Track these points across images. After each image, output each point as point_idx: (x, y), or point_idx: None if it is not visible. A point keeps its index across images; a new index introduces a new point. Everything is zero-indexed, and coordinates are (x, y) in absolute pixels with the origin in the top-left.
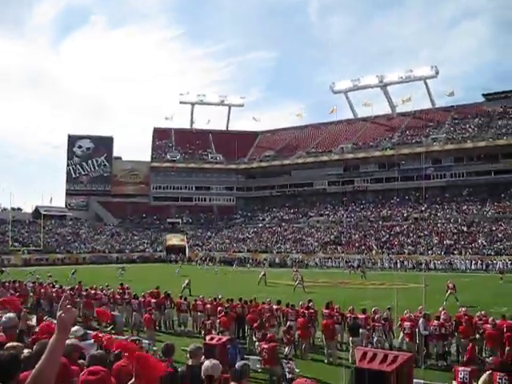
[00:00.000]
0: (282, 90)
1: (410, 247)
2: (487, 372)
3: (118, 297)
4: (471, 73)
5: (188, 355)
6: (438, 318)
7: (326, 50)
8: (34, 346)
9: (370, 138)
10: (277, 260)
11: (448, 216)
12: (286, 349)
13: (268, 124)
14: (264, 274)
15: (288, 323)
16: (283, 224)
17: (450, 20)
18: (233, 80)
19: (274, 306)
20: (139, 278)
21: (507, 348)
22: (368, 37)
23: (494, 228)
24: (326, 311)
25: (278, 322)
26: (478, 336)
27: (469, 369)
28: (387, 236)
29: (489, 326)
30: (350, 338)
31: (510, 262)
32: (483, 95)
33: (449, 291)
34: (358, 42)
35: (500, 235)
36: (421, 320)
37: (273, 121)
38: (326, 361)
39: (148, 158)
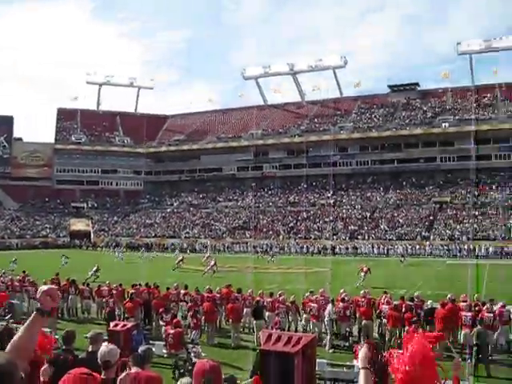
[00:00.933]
0: (193, 73)
1: (316, 232)
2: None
3: (17, 284)
4: (378, 64)
5: (88, 342)
6: (343, 301)
7: (238, 34)
8: None
9: (279, 124)
10: (185, 245)
11: (353, 202)
12: (193, 333)
13: (178, 108)
14: (182, 260)
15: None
16: (192, 209)
17: (359, 11)
18: (143, 61)
19: (182, 291)
20: (39, 265)
21: (406, 327)
22: (280, 24)
23: (395, 214)
24: (238, 295)
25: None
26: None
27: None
28: (294, 221)
29: (386, 306)
30: (254, 321)
31: (410, 247)
32: (389, 86)
33: (362, 274)
34: (269, 29)
35: (401, 221)
36: (329, 305)
37: (183, 104)
38: (232, 344)
39: (51, 140)
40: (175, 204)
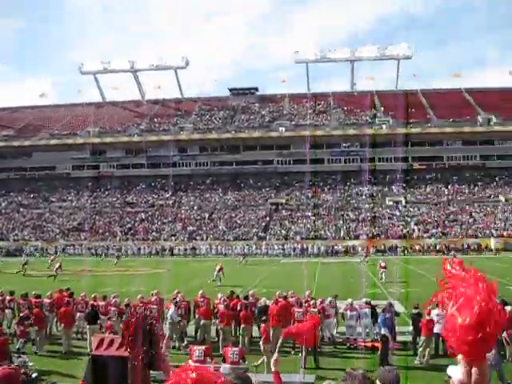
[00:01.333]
0: (26, 65)
1: (154, 233)
2: None
3: None
4: (220, 67)
5: None
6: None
7: (76, 26)
8: None
9: (117, 122)
10: (13, 248)
11: (192, 203)
12: (19, 342)
13: (8, 101)
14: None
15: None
16: (22, 209)
17: (204, 13)
18: None
19: (8, 297)
20: None
21: (242, 326)
22: (122, 20)
23: (233, 215)
24: (70, 299)
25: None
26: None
27: (203, 347)
28: (132, 222)
29: (223, 306)
30: (88, 326)
31: (247, 247)
32: (229, 90)
33: (215, 273)
34: (111, 24)
35: (239, 222)
36: (172, 307)
37: (13, 98)
38: (63, 351)
39: None
40: (3, 204)
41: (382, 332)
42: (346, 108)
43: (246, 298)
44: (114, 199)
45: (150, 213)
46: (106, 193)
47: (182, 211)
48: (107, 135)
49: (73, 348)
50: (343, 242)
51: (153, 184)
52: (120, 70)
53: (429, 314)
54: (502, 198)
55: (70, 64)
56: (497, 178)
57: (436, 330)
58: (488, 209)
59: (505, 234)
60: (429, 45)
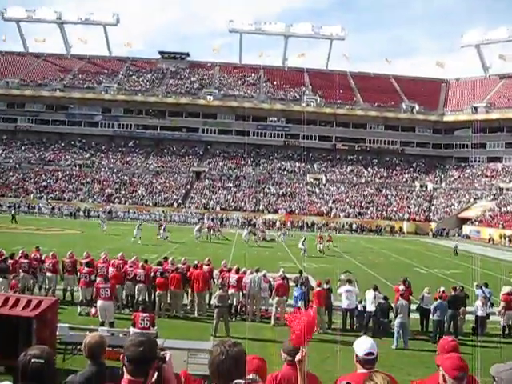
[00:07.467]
0: None
1: (70, 193)
2: None
3: None
4: (151, 29)
5: None
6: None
7: None
8: None
9: (39, 75)
10: None
11: (112, 165)
12: None
13: None
14: None
15: None
16: None
17: None
18: None
19: None
20: None
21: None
22: None
23: (154, 181)
24: None
25: None
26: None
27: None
28: (48, 181)
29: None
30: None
31: (163, 214)
32: (159, 53)
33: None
34: None
35: (159, 187)
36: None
37: None
38: None
39: None
40: None
41: (299, 305)
42: (275, 83)
43: (159, 264)
44: (30, 155)
45: (67, 172)
46: (23, 148)
47: (102, 173)
48: (28, 88)
49: None
50: (262, 214)
51: (72, 142)
52: (45, 20)
53: (319, 285)
54: (417, 183)
55: None
56: (414, 165)
57: (344, 305)
58: (403, 193)
59: (417, 218)
60: (362, 28)
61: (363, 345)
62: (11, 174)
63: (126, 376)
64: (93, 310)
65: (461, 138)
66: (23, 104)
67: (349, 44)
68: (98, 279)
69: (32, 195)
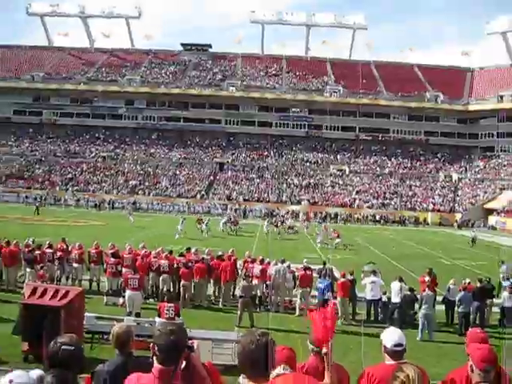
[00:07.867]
0: None
1: (95, 185)
2: None
3: None
4: (173, 21)
5: None
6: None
7: None
8: None
9: (64, 69)
10: None
11: (136, 157)
12: None
13: None
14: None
15: None
16: None
17: None
18: None
19: None
20: None
21: (182, 282)
22: None
23: (177, 172)
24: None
25: None
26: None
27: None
28: (73, 173)
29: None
30: (28, 270)
31: (187, 206)
32: (182, 45)
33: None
34: None
35: (182, 179)
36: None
37: None
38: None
39: None
40: None
41: (326, 297)
42: (298, 73)
43: (182, 254)
44: (56, 147)
45: (91, 164)
46: (48, 141)
47: (125, 165)
48: (53, 81)
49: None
50: (285, 206)
51: (96, 135)
52: (69, 14)
53: (343, 276)
54: (441, 174)
55: (16, 3)
56: (438, 155)
57: (368, 296)
58: (427, 184)
59: (441, 209)
60: (384, 18)
61: (392, 336)
62: (37, 166)
63: (157, 365)
64: (120, 300)
65: (486, 127)
66: (48, 97)
67: (371, 34)
68: (125, 270)
69: (58, 187)
